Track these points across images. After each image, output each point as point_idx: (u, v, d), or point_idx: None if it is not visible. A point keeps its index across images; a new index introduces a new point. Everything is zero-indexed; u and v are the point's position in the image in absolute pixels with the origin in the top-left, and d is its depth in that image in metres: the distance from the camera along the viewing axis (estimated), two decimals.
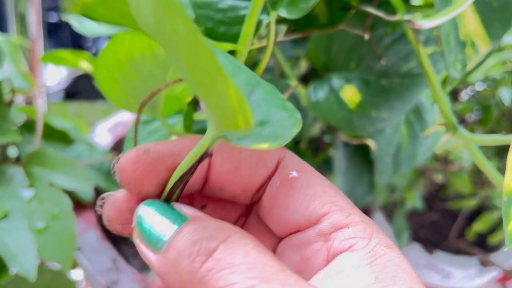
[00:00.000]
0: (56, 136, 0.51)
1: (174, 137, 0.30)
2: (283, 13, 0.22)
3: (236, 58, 0.23)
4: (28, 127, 0.49)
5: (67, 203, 0.38)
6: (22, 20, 0.74)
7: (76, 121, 0.56)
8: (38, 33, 0.75)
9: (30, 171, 0.39)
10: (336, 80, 0.35)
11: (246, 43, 0.22)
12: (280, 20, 0.30)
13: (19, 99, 0.64)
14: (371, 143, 0.35)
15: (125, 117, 0.62)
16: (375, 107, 0.34)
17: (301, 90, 0.36)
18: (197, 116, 0.31)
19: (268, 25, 0.23)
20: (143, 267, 0.50)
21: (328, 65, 0.35)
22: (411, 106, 0.35)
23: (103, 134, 0.58)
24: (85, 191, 0.49)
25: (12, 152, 0.47)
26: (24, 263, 0.33)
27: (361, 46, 0.33)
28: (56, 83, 1.39)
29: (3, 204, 0.36)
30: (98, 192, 0.52)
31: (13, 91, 0.42)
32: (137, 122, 0.25)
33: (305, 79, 0.39)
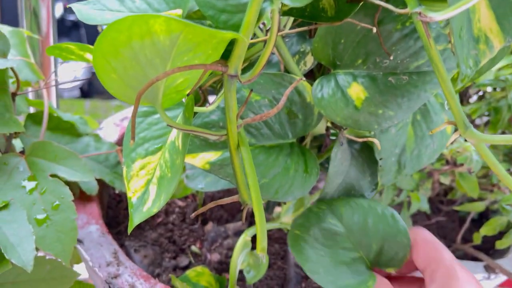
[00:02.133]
0: (63, 128, 0.51)
1: (173, 130, 0.29)
2: (287, 1, 0.21)
3: (237, 47, 0.22)
4: (35, 118, 0.48)
5: (68, 195, 0.37)
6: (33, 16, 0.74)
7: (84, 116, 0.56)
8: (49, 28, 0.75)
9: (33, 162, 0.39)
10: (342, 77, 0.34)
11: (247, 32, 0.22)
12: (287, 12, 0.29)
13: (29, 93, 0.64)
14: (375, 141, 0.34)
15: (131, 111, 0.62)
16: (382, 104, 0.33)
17: (306, 86, 0.35)
18: (198, 109, 0.30)
19: (271, 13, 0.22)
20: (144, 261, 0.50)
21: (334, 61, 0.35)
22: (419, 104, 0.34)
23: (110, 128, 0.58)
24: (90, 183, 0.49)
25: (18, 144, 0.47)
26: (22, 254, 0.32)
27: (369, 41, 0.32)
28: (72, 80, 1.40)
29: (4, 194, 0.36)
30: (103, 185, 0.52)
31: (18, 82, 0.41)
32: (134, 113, 0.24)
33: (311, 75, 0.38)
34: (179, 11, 0.31)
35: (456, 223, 0.77)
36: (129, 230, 0.28)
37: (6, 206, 0.36)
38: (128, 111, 0.62)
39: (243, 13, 0.22)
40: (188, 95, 0.28)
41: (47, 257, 0.39)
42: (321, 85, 0.35)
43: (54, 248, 0.35)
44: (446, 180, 0.59)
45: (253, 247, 0.46)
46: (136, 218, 0.28)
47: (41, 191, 0.37)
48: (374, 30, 0.28)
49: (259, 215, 0.25)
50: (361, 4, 0.28)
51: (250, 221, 0.57)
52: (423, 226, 0.75)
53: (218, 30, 0.22)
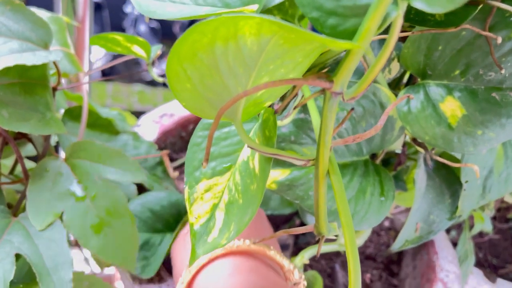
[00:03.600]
0: (101, 125, 0.47)
1: (245, 146, 0.25)
2: (420, 4, 0.17)
3: (349, 60, 0.18)
4: (72, 114, 0.45)
5: (122, 197, 0.34)
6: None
7: (121, 111, 0.52)
8: (85, 13, 0.71)
9: (75, 165, 0.36)
10: (434, 89, 0.29)
11: (365, 41, 0.17)
12: None
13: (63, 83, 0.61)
14: (475, 167, 0.29)
15: (171, 108, 0.58)
16: (482, 124, 0.28)
17: (391, 97, 0.30)
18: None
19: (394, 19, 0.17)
20: None
21: (425, 70, 0.30)
22: None
23: (148, 126, 0.54)
24: (128, 187, 0.45)
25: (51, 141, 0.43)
26: (57, 282, 0.29)
27: (473, 50, 0.27)
28: (94, 62, 1.39)
29: (54, 205, 0.32)
30: (141, 189, 0.49)
31: (59, 75, 0.38)
32: (212, 132, 0.20)
33: (393, 84, 0.33)
34: (254, 7, 0.26)
35: (509, 241, 0.72)
36: (190, 263, 0.24)
37: (59, 217, 0.32)
38: (167, 107, 0.58)
39: (358, 18, 0.18)
40: (269, 109, 0.23)
41: (86, 273, 0.35)
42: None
43: (116, 258, 0.31)
44: (510, 199, 0.54)
45: (305, 269, 0.42)
46: (199, 249, 0.24)
47: (91, 197, 0.33)
48: (499, 40, 0.23)
49: (353, 257, 0.21)
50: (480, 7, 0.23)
51: (296, 236, 0.53)
52: (475, 243, 0.70)
53: (328, 37, 0.17)
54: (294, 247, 0.52)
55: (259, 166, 0.23)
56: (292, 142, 0.29)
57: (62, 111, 0.44)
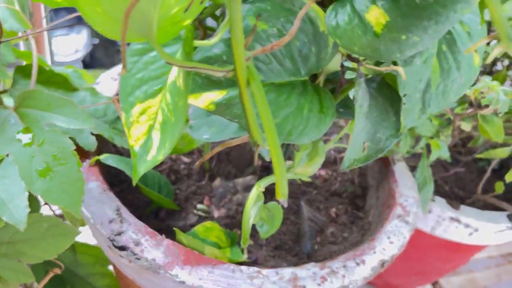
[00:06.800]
0: (55, 82, 0.47)
1: (173, 68, 0.26)
2: None
3: None
4: (24, 71, 0.45)
5: (69, 144, 0.34)
6: None
7: (76, 69, 0.52)
8: None
9: (24, 113, 0.36)
10: (360, 0, 0.30)
11: None
12: None
13: (20, 46, 0.61)
14: (400, 70, 0.30)
15: None
16: (405, 29, 0.29)
17: (319, 12, 0.31)
18: (199, 43, 0.27)
19: None
20: (149, 217, 0.48)
21: None
22: (447, 28, 0.30)
23: (107, 83, 0.55)
24: (88, 138, 0.46)
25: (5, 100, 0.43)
26: (14, 211, 0.30)
27: None
28: (74, 53, 1.38)
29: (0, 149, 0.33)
30: (102, 141, 0.49)
31: (0, 28, 0.38)
32: (123, 46, 0.20)
33: (322, 3, 0.34)
34: None
35: (475, 174, 0.74)
36: (134, 182, 0.25)
37: (2, 160, 0.33)
38: None
39: None
40: (187, 27, 0.24)
41: (44, 215, 0.36)
42: (336, 11, 0.31)
43: (62, 201, 0.32)
44: (467, 127, 0.56)
45: (265, 201, 0.44)
46: (140, 167, 0.25)
47: (38, 143, 0.34)
48: None
49: (277, 156, 0.22)
50: None
51: (260, 175, 0.54)
52: (441, 178, 0.72)
53: None
54: None
55: (183, 82, 0.24)
56: (225, 61, 0.29)
57: (11, 71, 0.44)
